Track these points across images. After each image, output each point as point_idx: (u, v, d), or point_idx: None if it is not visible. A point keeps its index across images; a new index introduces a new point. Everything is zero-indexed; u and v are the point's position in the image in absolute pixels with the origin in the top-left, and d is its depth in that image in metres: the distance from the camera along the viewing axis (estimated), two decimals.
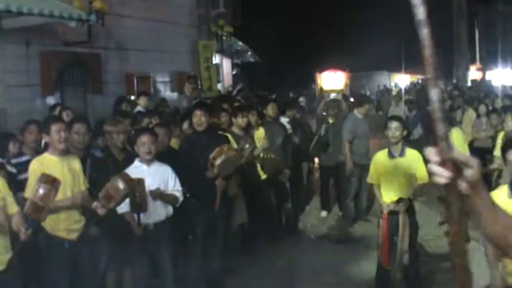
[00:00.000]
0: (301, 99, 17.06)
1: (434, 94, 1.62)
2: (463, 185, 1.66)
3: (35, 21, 10.27)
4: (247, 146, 8.02)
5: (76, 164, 5.82)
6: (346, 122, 10.83)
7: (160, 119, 8.59)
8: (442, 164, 1.64)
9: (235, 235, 8.15)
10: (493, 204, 1.81)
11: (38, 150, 6.34)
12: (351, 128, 10.56)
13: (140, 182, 5.90)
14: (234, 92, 17.84)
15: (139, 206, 5.94)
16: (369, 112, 10.97)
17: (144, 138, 6.19)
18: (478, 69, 37.27)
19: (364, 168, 10.18)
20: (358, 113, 10.85)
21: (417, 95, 24.26)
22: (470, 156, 1.69)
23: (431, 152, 1.67)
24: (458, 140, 8.77)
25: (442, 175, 1.64)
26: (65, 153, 5.71)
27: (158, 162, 6.38)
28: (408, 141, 13.09)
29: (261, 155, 8.80)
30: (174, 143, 7.74)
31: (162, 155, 6.55)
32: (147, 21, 15.10)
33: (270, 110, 10.03)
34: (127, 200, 5.88)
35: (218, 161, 6.94)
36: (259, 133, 9.07)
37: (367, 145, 10.67)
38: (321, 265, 8.48)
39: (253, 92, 20.06)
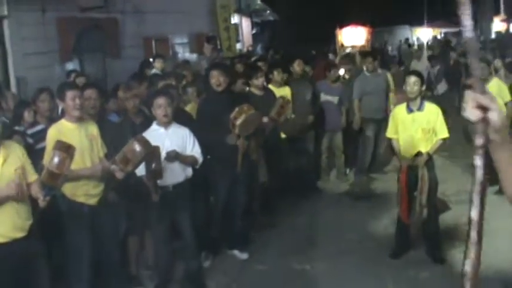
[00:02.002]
0: (330, 56, 16.88)
1: (469, 33, 1.62)
2: (488, 130, 1.65)
3: None
4: (281, 103, 8.04)
5: (94, 129, 5.85)
6: (355, 80, 10.79)
7: (177, 81, 8.55)
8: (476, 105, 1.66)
9: (256, 194, 8.15)
10: None
11: (53, 118, 6.35)
12: (359, 86, 10.54)
13: (155, 149, 5.89)
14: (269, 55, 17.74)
15: (154, 173, 5.95)
16: (375, 67, 10.81)
17: (160, 101, 6.16)
18: (502, 21, 36.54)
19: (380, 122, 10.21)
20: (365, 69, 10.81)
21: (441, 49, 23.90)
22: (493, 99, 1.66)
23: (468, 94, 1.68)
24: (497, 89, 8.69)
25: (471, 114, 1.67)
26: (81, 119, 5.72)
27: (176, 125, 6.35)
28: (432, 96, 12.99)
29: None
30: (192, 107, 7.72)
31: (178, 117, 6.53)
32: None
33: (297, 67, 10.00)
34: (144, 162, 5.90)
35: (239, 121, 6.91)
36: (286, 91, 9.01)
37: (380, 100, 10.59)
38: (341, 222, 8.53)
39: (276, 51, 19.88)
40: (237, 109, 6.95)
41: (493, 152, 1.73)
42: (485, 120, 1.64)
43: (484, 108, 1.64)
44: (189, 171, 6.42)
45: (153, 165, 5.86)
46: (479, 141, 1.67)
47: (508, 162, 1.77)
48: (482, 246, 1.73)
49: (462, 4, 1.62)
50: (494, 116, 1.64)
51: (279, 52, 18.80)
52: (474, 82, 1.64)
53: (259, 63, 10.56)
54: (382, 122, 10.32)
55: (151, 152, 5.76)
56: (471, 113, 1.66)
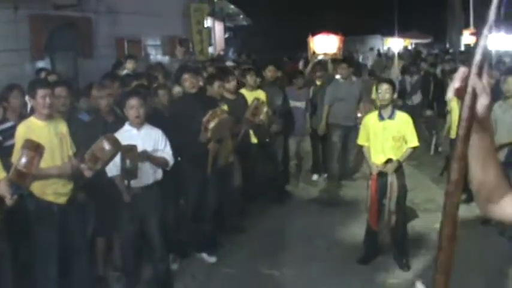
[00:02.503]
0: (301, 62, 16.98)
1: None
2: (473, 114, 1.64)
3: None
4: (255, 104, 8.08)
5: (63, 127, 5.79)
6: (328, 86, 10.88)
7: (149, 82, 8.53)
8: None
9: (228, 198, 8.15)
10: (489, 153, 1.79)
11: (23, 116, 6.28)
12: (331, 92, 10.63)
13: (132, 149, 5.87)
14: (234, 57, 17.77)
15: (130, 172, 5.92)
16: (349, 74, 10.93)
17: (133, 102, 6.12)
18: (471, 34, 37.06)
19: (350, 129, 10.33)
20: (339, 75, 10.92)
21: (412, 60, 24.12)
22: (483, 86, 1.65)
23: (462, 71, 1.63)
24: None
25: (452, 87, 1.62)
26: (51, 117, 5.67)
27: (148, 126, 6.32)
28: (405, 106, 13.12)
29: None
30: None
31: (150, 118, 6.51)
32: None
33: (268, 72, 10.06)
34: (117, 164, 5.87)
35: (211, 124, 6.92)
36: (260, 95, 9.03)
37: (350, 107, 10.67)
38: (310, 228, 8.55)
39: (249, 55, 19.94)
40: (210, 112, 6.96)
41: (475, 139, 1.72)
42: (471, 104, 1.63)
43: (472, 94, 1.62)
44: (159, 173, 6.39)
45: (129, 165, 5.83)
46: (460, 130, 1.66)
47: (481, 152, 1.77)
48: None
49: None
50: (481, 102, 1.63)
51: (251, 57, 18.86)
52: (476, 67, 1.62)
53: (232, 67, 10.60)
54: (351, 129, 10.43)
55: (127, 150, 5.74)
56: (451, 89, 1.65)
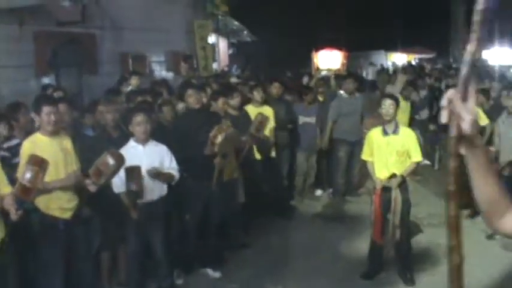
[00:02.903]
0: (305, 78, 17.03)
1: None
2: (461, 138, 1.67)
3: (28, 1, 10.20)
4: (260, 119, 8.12)
5: (68, 143, 5.82)
6: (332, 102, 10.93)
7: (154, 98, 8.57)
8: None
9: (232, 213, 8.15)
10: (487, 169, 1.81)
11: (29, 132, 6.30)
12: (335, 108, 10.69)
13: (136, 169, 5.90)
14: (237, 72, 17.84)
15: (135, 194, 5.96)
16: (353, 89, 11.00)
17: (139, 118, 6.16)
18: None
19: (354, 145, 10.36)
20: (343, 91, 10.95)
21: (418, 74, 24.12)
22: (466, 109, 1.67)
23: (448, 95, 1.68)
24: None
25: (443, 116, 1.67)
26: (56, 133, 5.70)
27: (153, 142, 6.36)
28: (415, 120, 13.15)
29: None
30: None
31: (153, 133, 6.54)
32: (142, 1, 15.01)
33: (274, 89, 10.12)
34: (123, 180, 5.90)
35: (219, 139, 6.97)
36: (266, 110, 9.06)
37: (355, 122, 10.74)
38: (315, 243, 8.55)
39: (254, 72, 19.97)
40: (216, 128, 7.00)
41: (467, 161, 1.76)
42: (458, 127, 1.67)
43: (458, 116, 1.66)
44: (164, 189, 6.42)
45: (134, 186, 5.86)
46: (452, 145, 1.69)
47: (479, 170, 1.80)
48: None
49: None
50: (465, 125, 1.67)
51: (255, 73, 18.89)
52: (460, 88, 1.66)
53: (236, 83, 10.64)
54: (355, 145, 10.46)
55: (131, 171, 5.78)
56: (443, 114, 1.69)
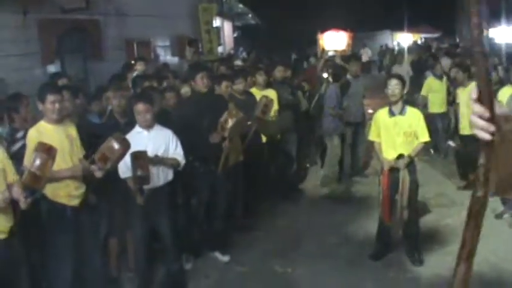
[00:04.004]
0: (312, 59, 16.97)
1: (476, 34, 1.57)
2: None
3: None
4: (265, 102, 8.12)
5: (73, 130, 5.83)
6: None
7: (159, 83, 8.57)
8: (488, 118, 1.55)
9: (239, 196, 8.17)
10: None
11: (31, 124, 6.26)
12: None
13: (142, 155, 5.91)
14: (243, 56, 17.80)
15: (142, 179, 5.97)
16: (357, 71, 10.96)
17: (140, 107, 6.17)
18: None
19: (358, 126, 10.36)
20: (350, 73, 10.90)
21: (423, 54, 24.00)
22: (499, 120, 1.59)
23: (476, 105, 1.56)
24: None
25: (488, 130, 1.55)
26: (61, 121, 5.70)
27: (159, 126, 6.36)
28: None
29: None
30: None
31: (158, 118, 6.54)
32: None
33: (278, 73, 10.10)
34: (129, 165, 5.91)
35: (230, 124, 6.98)
36: (270, 93, 9.04)
37: (358, 104, 10.76)
38: (322, 225, 8.56)
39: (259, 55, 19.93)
40: (227, 112, 7.01)
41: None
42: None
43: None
44: (170, 174, 6.42)
45: (140, 171, 5.87)
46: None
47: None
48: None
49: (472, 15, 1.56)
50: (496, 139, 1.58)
51: (260, 56, 18.86)
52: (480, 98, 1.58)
53: (241, 66, 10.63)
54: (359, 126, 10.48)
55: (137, 158, 5.80)
56: (485, 127, 1.59)
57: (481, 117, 1.56)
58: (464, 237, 1.68)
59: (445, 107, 11.71)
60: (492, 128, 1.55)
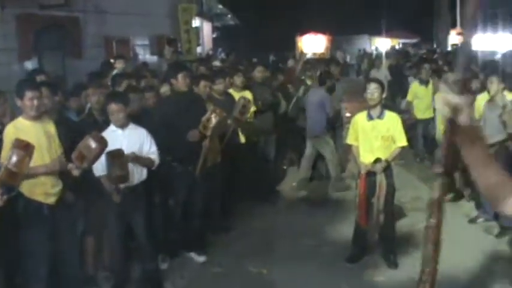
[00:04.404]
0: (290, 61, 17.01)
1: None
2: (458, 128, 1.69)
3: None
4: (243, 102, 8.13)
5: (51, 127, 5.78)
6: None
7: (138, 82, 8.54)
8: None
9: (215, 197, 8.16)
10: (486, 157, 1.84)
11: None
12: None
13: (120, 153, 5.89)
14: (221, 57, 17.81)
15: (121, 178, 5.95)
16: (337, 75, 11.05)
17: (112, 107, 6.18)
18: (458, 34, 37.16)
19: (336, 129, 10.45)
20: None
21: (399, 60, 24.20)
22: (461, 101, 1.69)
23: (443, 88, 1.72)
24: None
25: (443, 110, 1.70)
26: (39, 117, 5.66)
27: (133, 125, 6.35)
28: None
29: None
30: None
31: (138, 117, 6.53)
32: None
33: (258, 73, 10.12)
34: (103, 163, 5.88)
35: (212, 123, 6.99)
36: (247, 95, 9.05)
37: (336, 108, 10.79)
38: (298, 227, 8.57)
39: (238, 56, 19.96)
40: (210, 111, 7.02)
41: (463, 151, 1.78)
42: (453, 120, 1.68)
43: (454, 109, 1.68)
44: (144, 173, 6.40)
45: (117, 170, 5.85)
46: (442, 148, 1.70)
47: (480, 160, 1.82)
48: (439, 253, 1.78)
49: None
50: (463, 117, 1.68)
51: (239, 57, 18.88)
52: (450, 80, 1.68)
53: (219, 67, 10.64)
54: (336, 129, 10.56)
55: (115, 156, 5.77)
56: (442, 109, 1.70)
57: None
58: (426, 260, 1.76)
59: (430, 113, 11.66)
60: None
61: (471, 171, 1.85)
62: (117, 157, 5.85)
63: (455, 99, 1.68)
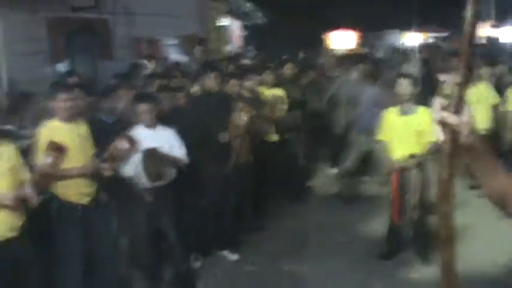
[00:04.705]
0: (320, 58, 16.95)
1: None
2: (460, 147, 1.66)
3: None
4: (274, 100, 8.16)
5: (83, 129, 5.84)
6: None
7: (168, 82, 8.58)
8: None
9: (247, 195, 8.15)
10: (495, 167, 1.82)
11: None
12: (345, 92, 10.54)
13: (157, 152, 5.96)
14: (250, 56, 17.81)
15: (158, 176, 6.00)
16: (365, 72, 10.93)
17: (142, 107, 6.23)
18: (492, 26, 36.61)
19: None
20: (355, 73, 10.82)
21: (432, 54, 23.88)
22: (462, 121, 1.65)
23: (435, 107, 1.68)
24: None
25: (438, 133, 1.68)
26: (72, 119, 5.71)
27: (161, 126, 6.39)
28: None
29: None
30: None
31: (169, 117, 6.55)
32: None
33: (287, 70, 10.11)
34: (135, 163, 5.92)
35: (243, 121, 7.03)
36: (278, 92, 9.02)
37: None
38: (331, 224, 8.56)
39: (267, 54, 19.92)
40: (239, 109, 7.03)
41: (471, 162, 1.76)
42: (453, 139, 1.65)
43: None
44: (173, 173, 6.41)
45: (155, 168, 5.90)
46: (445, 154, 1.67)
47: (486, 172, 1.80)
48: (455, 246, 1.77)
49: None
50: (464, 138, 1.65)
51: (268, 55, 18.84)
52: (445, 100, 1.63)
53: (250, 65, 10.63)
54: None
55: (151, 155, 5.81)
56: (437, 131, 1.67)
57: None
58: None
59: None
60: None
61: (478, 179, 1.83)
62: (154, 155, 5.90)
63: (452, 118, 1.64)
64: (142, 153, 5.82)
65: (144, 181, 6.14)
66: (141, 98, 6.56)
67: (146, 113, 6.20)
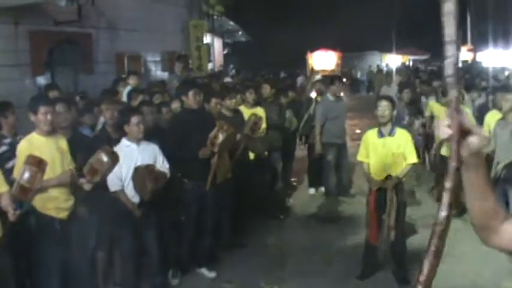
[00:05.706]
0: (300, 78, 17.06)
1: (449, 61, 1.64)
2: (463, 151, 1.69)
3: (24, 0, 10.21)
4: (254, 120, 8.18)
5: (63, 143, 5.84)
6: (318, 105, 10.93)
7: (151, 98, 8.60)
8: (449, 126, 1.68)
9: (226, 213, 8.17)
10: (486, 184, 1.84)
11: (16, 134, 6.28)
12: (322, 111, 10.66)
13: (152, 168, 6.09)
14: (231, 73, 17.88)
15: (152, 192, 6.06)
16: (339, 93, 11.04)
17: (137, 119, 6.22)
18: (469, 50, 37.15)
19: (340, 147, 10.44)
20: (330, 94, 10.90)
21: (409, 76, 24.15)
22: (477, 126, 1.71)
23: (442, 113, 1.72)
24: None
25: (445, 132, 1.68)
26: (52, 133, 5.71)
27: (145, 141, 6.41)
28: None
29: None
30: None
31: (150, 134, 6.57)
32: (138, 1, 15.06)
33: (263, 90, 10.18)
34: (120, 178, 5.94)
35: (220, 139, 7.02)
36: (258, 111, 9.08)
37: (341, 126, 10.91)
38: (309, 243, 8.58)
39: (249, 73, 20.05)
40: (217, 128, 7.04)
41: (464, 173, 1.77)
42: (460, 142, 1.68)
43: (464, 131, 1.68)
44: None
45: (151, 184, 5.94)
46: (452, 163, 1.70)
47: (474, 182, 1.82)
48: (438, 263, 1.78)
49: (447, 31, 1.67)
50: (475, 140, 1.69)
51: (249, 74, 18.97)
52: (453, 101, 1.68)
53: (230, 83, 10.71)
54: (342, 147, 10.57)
55: (149, 172, 5.87)
56: (443, 130, 1.70)
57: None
58: (427, 255, 1.76)
59: None
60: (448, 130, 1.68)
61: (467, 194, 1.85)
62: (152, 172, 5.94)
63: (470, 123, 1.68)
64: (142, 169, 5.87)
65: (133, 196, 6.15)
66: (131, 110, 6.58)
67: (139, 124, 6.22)
